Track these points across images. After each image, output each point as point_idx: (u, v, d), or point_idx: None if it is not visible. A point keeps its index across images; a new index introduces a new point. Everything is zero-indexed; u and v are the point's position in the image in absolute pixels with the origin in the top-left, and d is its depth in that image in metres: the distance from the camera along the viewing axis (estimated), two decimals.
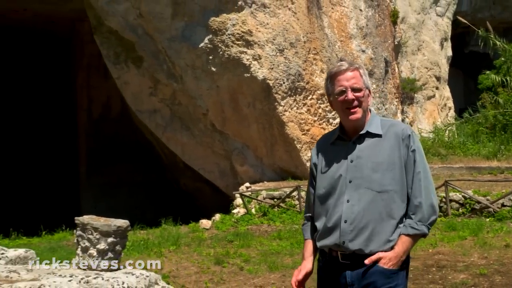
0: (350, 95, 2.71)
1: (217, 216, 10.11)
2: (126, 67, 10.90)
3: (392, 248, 2.66)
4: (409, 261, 2.75)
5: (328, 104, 10.63)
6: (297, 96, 11.17)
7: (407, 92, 17.11)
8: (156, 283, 5.17)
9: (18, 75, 19.48)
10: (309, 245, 2.92)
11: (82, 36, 14.88)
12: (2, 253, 5.49)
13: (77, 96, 16.03)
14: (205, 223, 9.72)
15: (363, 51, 13.42)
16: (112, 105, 15.19)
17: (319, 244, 2.81)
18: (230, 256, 7.45)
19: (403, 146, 2.72)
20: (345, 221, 2.67)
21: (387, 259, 2.63)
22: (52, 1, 13.32)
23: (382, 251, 2.64)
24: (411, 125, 17.20)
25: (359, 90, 2.73)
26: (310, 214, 2.94)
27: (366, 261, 2.62)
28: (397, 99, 14.99)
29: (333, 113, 11.61)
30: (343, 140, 2.83)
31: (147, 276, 5.10)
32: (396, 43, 15.80)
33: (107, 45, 10.90)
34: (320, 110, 11.69)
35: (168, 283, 5.58)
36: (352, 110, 2.73)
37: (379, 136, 2.76)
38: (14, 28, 15.81)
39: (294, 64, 10.99)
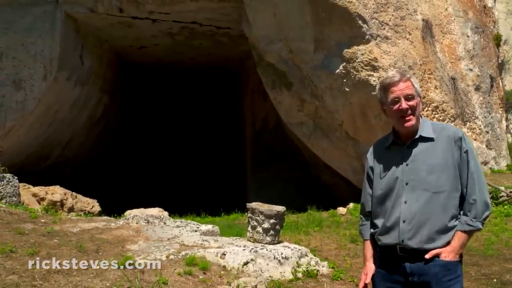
0: (404, 104, 2.36)
1: (351, 205, 9.86)
2: (280, 91, 11.06)
3: (448, 243, 2.28)
4: (462, 255, 2.35)
5: (439, 113, 9.68)
6: None
7: (511, 102, 15.86)
8: (306, 255, 5.15)
9: (202, 102, 20.80)
10: (369, 247, 2.53)
11: (248, 70, 15.39)
12: (198, 227, 5.87)
13: (244, 114, 16.61)
14: (341, 210, 9.54)
15: (471, 69, 12.33)
16: (269, 120, 15.45)
17: (379, 241, 2.43)
18: None
19: (456, 148, 2.32)
20: (404, 221, 2.30)
21: (447, 253, 2.26)
22: (228, 46, 14.03)
23: (439, 247, 2.28)
24: None
25: (412, 99, 2.37)
26: (368, 210, 2.54)
27: (427, 256, 2.26)
28: (501, 109, 13.61)
29: (446, 120, 10.75)
30: (397, 145, 2.46)
31: (299, 249, 5.13)
32: (499, 61, 14.43)
33: (266, 75, 11.16)
34: (434, 119, 10.88)
35: (315, 255, 5.53)
36: (406, 118, 2.37)
37: (431, 139, 2.36)
38: (199, 66, 16.87)
39: None
